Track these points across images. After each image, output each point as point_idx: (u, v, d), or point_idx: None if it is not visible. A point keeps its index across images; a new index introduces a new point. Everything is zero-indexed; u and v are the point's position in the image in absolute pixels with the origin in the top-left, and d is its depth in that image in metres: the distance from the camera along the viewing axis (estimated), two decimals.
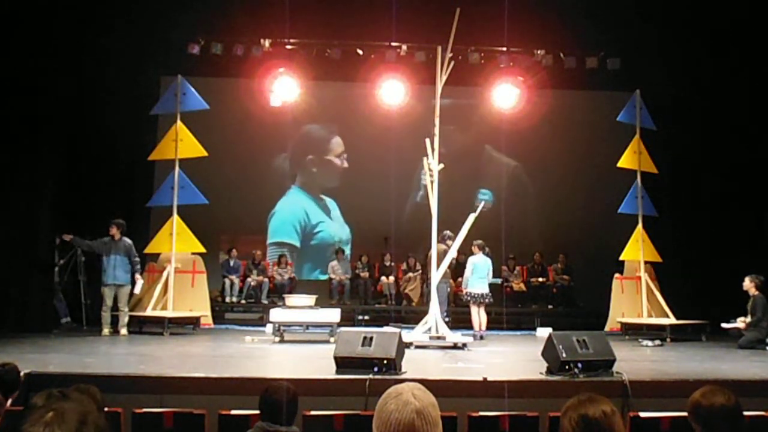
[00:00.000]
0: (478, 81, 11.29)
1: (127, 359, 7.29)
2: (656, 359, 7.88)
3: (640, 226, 11.00)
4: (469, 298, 9.89)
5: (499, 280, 12.11)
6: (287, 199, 13.78)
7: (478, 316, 9.77)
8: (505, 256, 12.38)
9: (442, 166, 9.29)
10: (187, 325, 10.21)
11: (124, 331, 9.42)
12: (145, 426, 4.62)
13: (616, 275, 11.31)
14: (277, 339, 8.90)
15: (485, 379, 5.85)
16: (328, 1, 11.39)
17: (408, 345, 7.63)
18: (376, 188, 13.07)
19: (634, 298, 11.02)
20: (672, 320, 10.24)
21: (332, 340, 8.49)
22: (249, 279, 12.28)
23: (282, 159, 13.78)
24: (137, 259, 9.74)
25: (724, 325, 9.26)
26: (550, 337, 6.32)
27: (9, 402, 4.08)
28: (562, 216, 13.10)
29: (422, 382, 1.98)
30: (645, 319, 10.62)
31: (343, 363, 6.14)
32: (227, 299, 12.11)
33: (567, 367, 6.00)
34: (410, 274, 12.42)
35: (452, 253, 9.58)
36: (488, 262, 10.02)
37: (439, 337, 8.63)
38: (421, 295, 12.10)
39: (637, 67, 11.67)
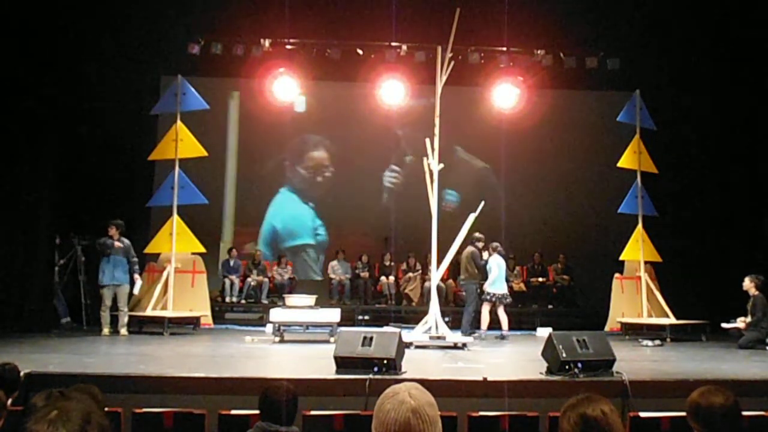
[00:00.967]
0: (478, 81, 11.29)
1: (127, 359, 7.29)
2: (656, 359, 7.88)
3: (640, 226, 11.00)
4: (494, 299, 9.99)
5: None
6: (282, 203, 13.69)
7: (503, 316, 9.98)
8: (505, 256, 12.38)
9: (441, 166, 9.30)
10: (187, 325, 10.21)
11: (124, 331, 9.42)
12: (145, 426, 4.62)
13: (616, 275, 11.31)
14: (277, 339, 8.90)
15: (485, 379, 5.85)
16: (328, 1, 11.39)
17: (408, 345, 7.63)
18: (376, 188, 13.05)
19: (634, 298, 11.02)
20: (672, 320, 10.24)
21: (332, 340, 8.49)
22: (249, 279, 12.28)
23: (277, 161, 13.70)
24: (135, 259, 9.72)
25: (724, 325, 9.26)
26: (550, 337, 6.32)
27: (9, 402, 4.08)
28: (562, 216, 13.10)
29: (422, 382, 1.99)
30: (645, 319, 10.62)
31: (343, 363, 6.14)
32: (227, 299, 12.10)
33: (567, 367, 6.00)
34: (410, 274, 12.41)
35: (452, 253, 9.59)
36: (504, 262, 10.29)
37: (439, 337, 8.63)
38: (421, 294, 12.11)
39: (637, 67, 11.67)
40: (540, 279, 12.81)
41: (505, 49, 10.93)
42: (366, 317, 12.11)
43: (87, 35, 10.40)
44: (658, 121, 11.17)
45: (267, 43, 10.74)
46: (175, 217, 10.57)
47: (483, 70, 11.12)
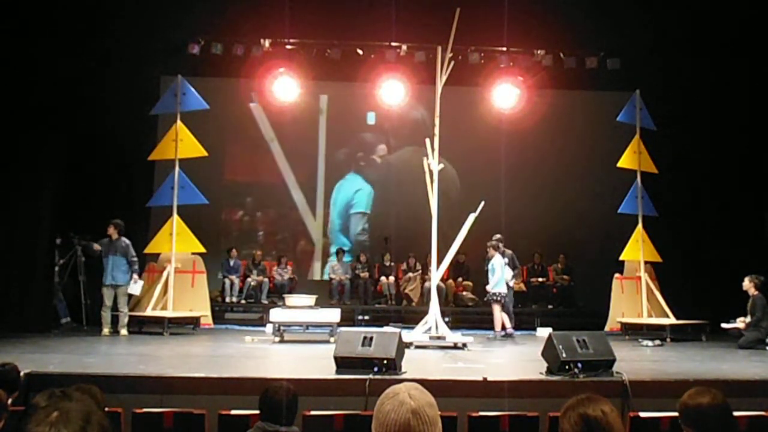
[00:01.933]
0: (478, 81, 11.29)
1: (127, 359, 7.29)
2: (656, 359, 7.89)
3: (640, 226, 11.00)
4: (499, 299, 10.01)
5: None
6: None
7: (505, 315, 10.04)
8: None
9: (441, 166, 9.30)
10: (187, 325, 10.21)
11: (124, 331, 9.42)
12: (145, 426, 4.62)
13: (616, 275, 11.31)
14: (277, 339, 8.91)
15: (485, 379, 5.85)
16: (328, 1, 11.39)
17: (408, 345, 7.64)
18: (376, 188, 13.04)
19: (634, 298, 11.02)
20: (672, 320, 10.24)
21: (332, 340, 8.49)
22: (249, 279, 12.28)
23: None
24: (135, 259, 9.68)
25: (724, 325, 9.26)
26: (550, 337, 6.32)
27: (9, 402, 4.08)
28: (562, 216, 13.09)
29: (422, 382, 1.99)
30: (645, 319, 10.62)
31: (343, 363, 6.14)
32: (227, 299, 12.10)
33: (567, 367, 6.00)
34: (410, 274, 12.41)
35: (452, 253, 9.59)
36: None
37: (439, 337, 8.63)
38: (421, 294, 12.10)
39: (637, 67, 11.67)
40: (540, 279, 12.80)
41: (505, 49, 10.95)
42: (366, 317, 12.10)
43: (87, 35, 10.39)
44: (658, 121, 11.17)
45: (267, 43, 10.75)
46: (175, 217, 10.56)
47: (483, 70, 11.13)
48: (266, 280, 12.38)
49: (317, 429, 4.62)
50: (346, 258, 13.02)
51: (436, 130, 9.33)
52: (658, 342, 9.29)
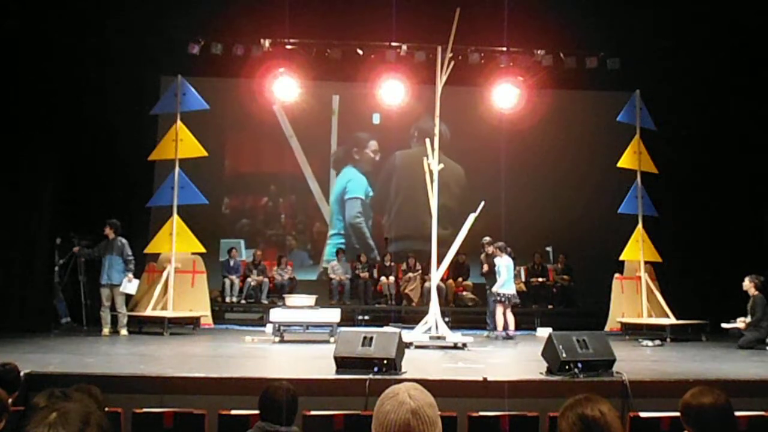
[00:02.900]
0: (478, 81, 11.29)
1: (127, 359, 7.29)
2: (656, 359, 7.88)
3: (640, 226, 11.00)
4: (503, 300, 10.01)
5: None
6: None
7: (509, 317, 10.04)
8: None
9: (441, 166, 9.30)
10: (187, 325, 10.21)
11: (124, 331, 9.42)
12: (145, 426, 4.62)
13: (616, 275, 11.31)
14: (277, 339, 8.90)
15: (485, 379, 5.84)
16: (328, 1, 11.39)
17: (408, 345, 7.64)
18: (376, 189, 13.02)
19: (634, 298, 11.02)
20: (672, 320, 10.24)
21: (332, 340, 8.49)
22: (249, 279, 12.28)
23: None
24: (131, 258, 9.60)
25: (724, 325, 9.26)
26: (550, 337, 6.32)
27: (9, 401, 4.08)
28: (562, 216, 13.09)
29: (422, 382, 1.99)
30: (645, 319, 10.62)
31: (343, 363, 6.14)
32: (227, 299, 12.10)
33: (567, 367, 6.00)
34: (410, 274, 12.41)
35: (452, 253, 9.59)
36: (512, 262, 10.36)
37: (439, 337, 8.63)
38: (421, 295, 12.10)
39: (637, 67, 11.67)
40: (540, 279, 12.80)
41: (505, 49, 10.93)
42: (366, 317, 12.11)
43: (87, 35, 10.40)
44: (658, 121, 11.17)
45: (267, 43, 10.74)
46: (175, 217, 10.56)
47: (483, 70, 11.12)
48: (266, 280, 12.38)
49: (317, 429, 4.62)
50: (339, 240, 13.44)
51: (436, 130, 9.33)
52: (658, 342, 9.29)
